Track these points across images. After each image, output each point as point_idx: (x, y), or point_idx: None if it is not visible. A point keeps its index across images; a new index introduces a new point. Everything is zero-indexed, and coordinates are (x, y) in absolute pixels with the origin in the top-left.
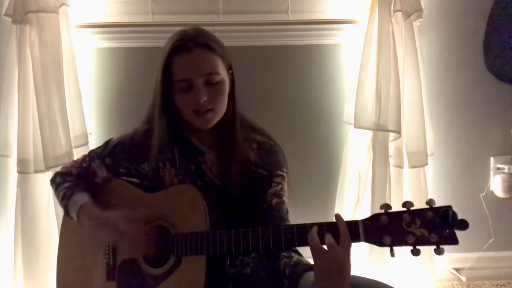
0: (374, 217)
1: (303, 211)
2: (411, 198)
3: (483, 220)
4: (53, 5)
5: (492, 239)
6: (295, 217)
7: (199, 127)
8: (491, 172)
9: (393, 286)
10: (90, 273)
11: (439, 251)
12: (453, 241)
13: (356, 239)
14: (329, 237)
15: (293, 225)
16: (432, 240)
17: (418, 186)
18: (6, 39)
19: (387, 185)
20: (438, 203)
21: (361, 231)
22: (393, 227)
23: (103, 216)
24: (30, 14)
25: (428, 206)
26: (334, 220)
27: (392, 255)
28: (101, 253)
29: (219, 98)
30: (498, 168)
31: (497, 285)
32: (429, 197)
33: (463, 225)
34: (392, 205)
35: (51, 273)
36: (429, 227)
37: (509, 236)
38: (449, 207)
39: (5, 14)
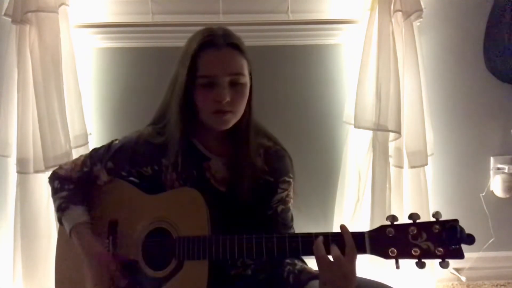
0: (380, 229)
1: (304, 211)
2: (411, 198)
3: (483, 220)
4: (52, 5)
5: (492, 239)
6: (295, 217)
7: (216, 127)
8: (491, 172)
9: (393, 286)
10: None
11: (444, 264)
12: (459, 255)
13: (362, 250)
14: (335, 249)
15: (297, 234)
16: (438, 254)
17: (418, 186)
18: (6, 39)
19: (387, 185)
20: (438, 203)
21: (367, 243)
22: (399, 240)
23: (91, 251)
24: (29, 14)
25: (434, 219)
26: (339, 230)
27: (397, 267)
28: None
29: (241, 101)
30: (498, 168)
31: (497, 285)
32: (435, 210)
33: (470, 240)
34: (392, 205)
35: (50, 272)
36: (436, 240)
37: (509, 236)
38: (456, 221)
39: (5, 14)
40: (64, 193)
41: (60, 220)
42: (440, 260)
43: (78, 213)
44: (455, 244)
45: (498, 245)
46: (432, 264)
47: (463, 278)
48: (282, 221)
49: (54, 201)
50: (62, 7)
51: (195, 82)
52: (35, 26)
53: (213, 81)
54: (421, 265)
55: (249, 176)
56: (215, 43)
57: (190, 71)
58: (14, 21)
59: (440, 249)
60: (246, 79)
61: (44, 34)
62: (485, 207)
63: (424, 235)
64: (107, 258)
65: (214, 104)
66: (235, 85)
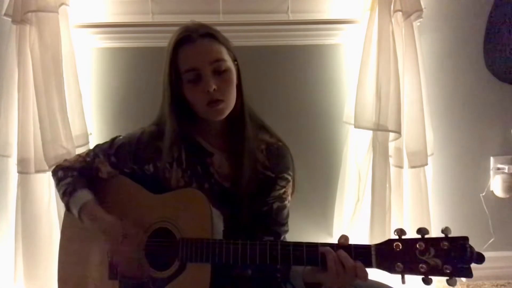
0: (388, 243)
1: (303, 211)
2: (411, 198)
3: (483, 220)
4: (52, 5)
5: (492, 239)
6: (295, 217)
7: (212, 118)
8: (491, 172)
9: (393, 286)
10: (91, 271)
11: (451, 282)
12: (468, 274)
13: (368, 264)
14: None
15: (302, 243)
16: (446, 271)
17: (418, 186)
18: (6, 39)
19: (387, 185)
20: (438, 203)
21: (373, 257)
22: (406, 255)
23: (104, 221)
24: (29, 14)
25: (443, 235)
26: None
27: (403, 282)
28: (103, 252)
29: (228, 87)
30: (498, 168)
31: (497, 285)
32: (445, 226)
33: (480, 259)
34: (392, 205)
35: (52, 273)
36: (444, 257)
37: (509, 236)
38: (466, 238)
39: (5, 14)
40: (68, 180)
41: (67, 205)
42: (447, 277)
43: (84, 194)
44: (465, 263)
45: (498, 245)
46: None
47: (463, 278)
48: (275, 217)
49: (59, 189)
50: (62, 7)
51: (181, 80)
52: (35, 26)
53: (197, 74)
54: (427, 281)
55: (250, 165)
56: (189, 37)
57: (171, 70)
58: (14, 21)
59: (448, 266)
60: (228, 65)
61: (44, 34)
62: (485, 207)
63: (432, 251)
64: (120, 226)
65: (204, 96)
66: (219, 73)
